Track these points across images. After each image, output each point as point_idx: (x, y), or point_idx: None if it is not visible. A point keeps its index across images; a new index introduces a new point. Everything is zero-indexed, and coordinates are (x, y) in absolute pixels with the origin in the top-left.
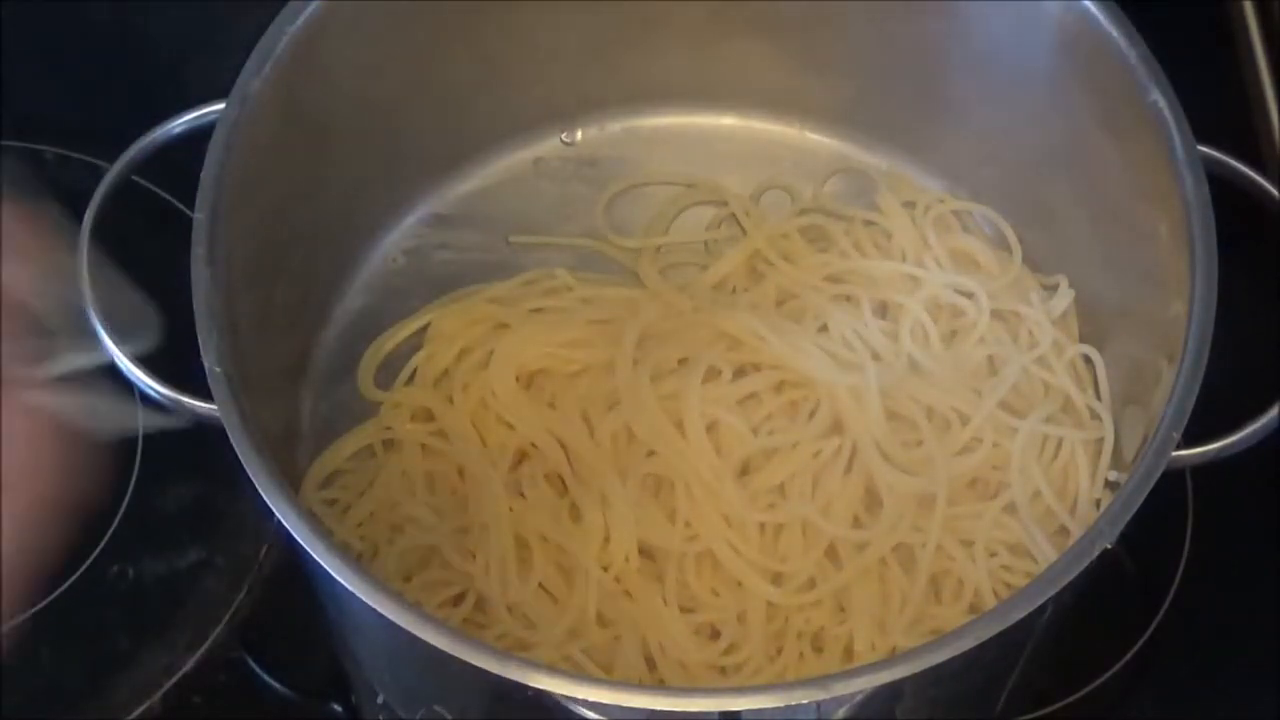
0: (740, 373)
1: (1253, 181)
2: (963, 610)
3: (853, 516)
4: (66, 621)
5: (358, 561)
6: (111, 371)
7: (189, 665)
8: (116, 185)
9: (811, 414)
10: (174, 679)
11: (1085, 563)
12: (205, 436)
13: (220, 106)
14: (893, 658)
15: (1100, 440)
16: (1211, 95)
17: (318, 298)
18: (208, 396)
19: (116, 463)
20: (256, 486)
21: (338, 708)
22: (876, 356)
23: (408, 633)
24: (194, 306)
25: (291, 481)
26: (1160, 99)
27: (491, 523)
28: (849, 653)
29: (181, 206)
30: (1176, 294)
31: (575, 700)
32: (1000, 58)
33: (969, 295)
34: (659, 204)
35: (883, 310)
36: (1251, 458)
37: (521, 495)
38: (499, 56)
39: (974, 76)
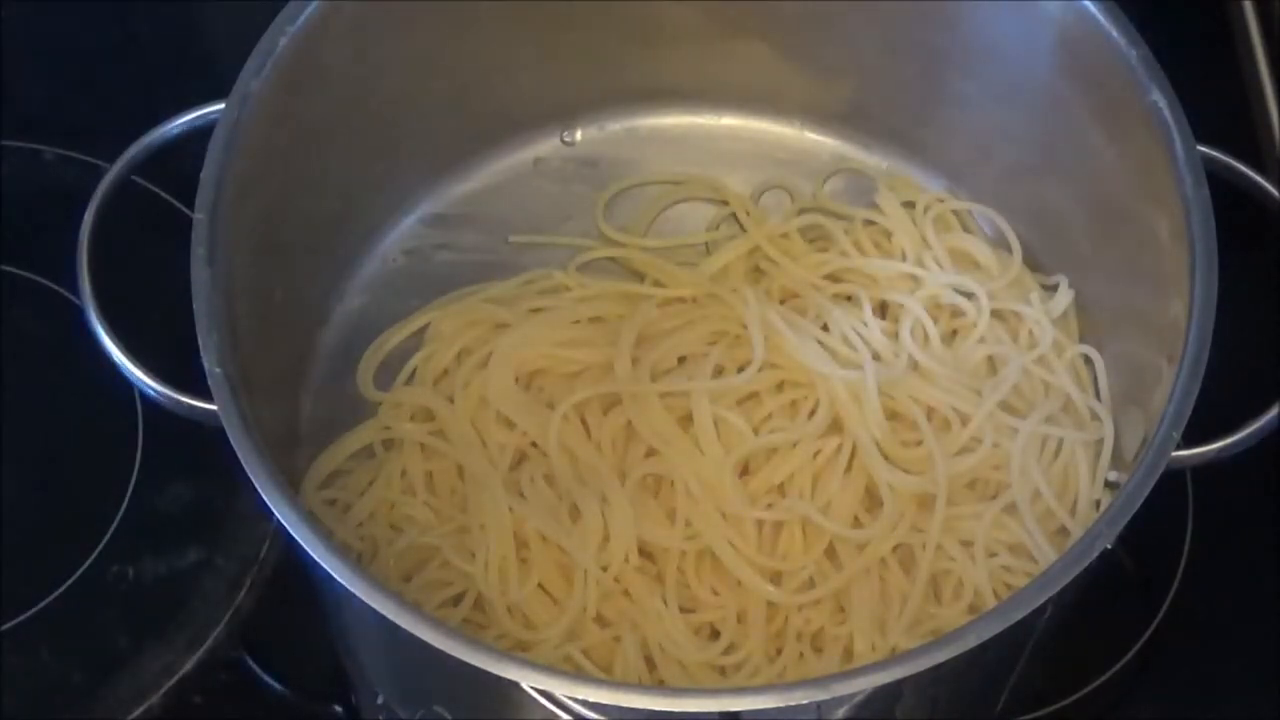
0: (740, 371)
1: (1253, 181)
2: (963, 610)
3: (852, 516)
4: (66, 621)
5: (358, 561)
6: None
7: (189, 665)
8: (116, 185)
9: (811, 413)
10: (174, 679)
11: (1085, 563)
12: (205, 436)
13: (220, 106)
14: (893, 658)
15: (1100, 440)
16: (1211, 95)
17: (318, 298)
18: (208, 396)
19: (116, 463)
20: (256, 486)
21: (338, 708)
22: (877, 356)
23: (408, 633)
24: (194, 306)
25: (291, 482)
26: (1160, 99)
27: (491, 523)
28: (849, 653)
29: (181, 206)
30: (1176, 294)
31: (575, 700)
32: (1000, 58)
33: (969, 295)
34: (659, 204)
35: (883, 310)
36: (1251, 458)
37: (521, 495)
38: (499, 56)
39: (974, 76)
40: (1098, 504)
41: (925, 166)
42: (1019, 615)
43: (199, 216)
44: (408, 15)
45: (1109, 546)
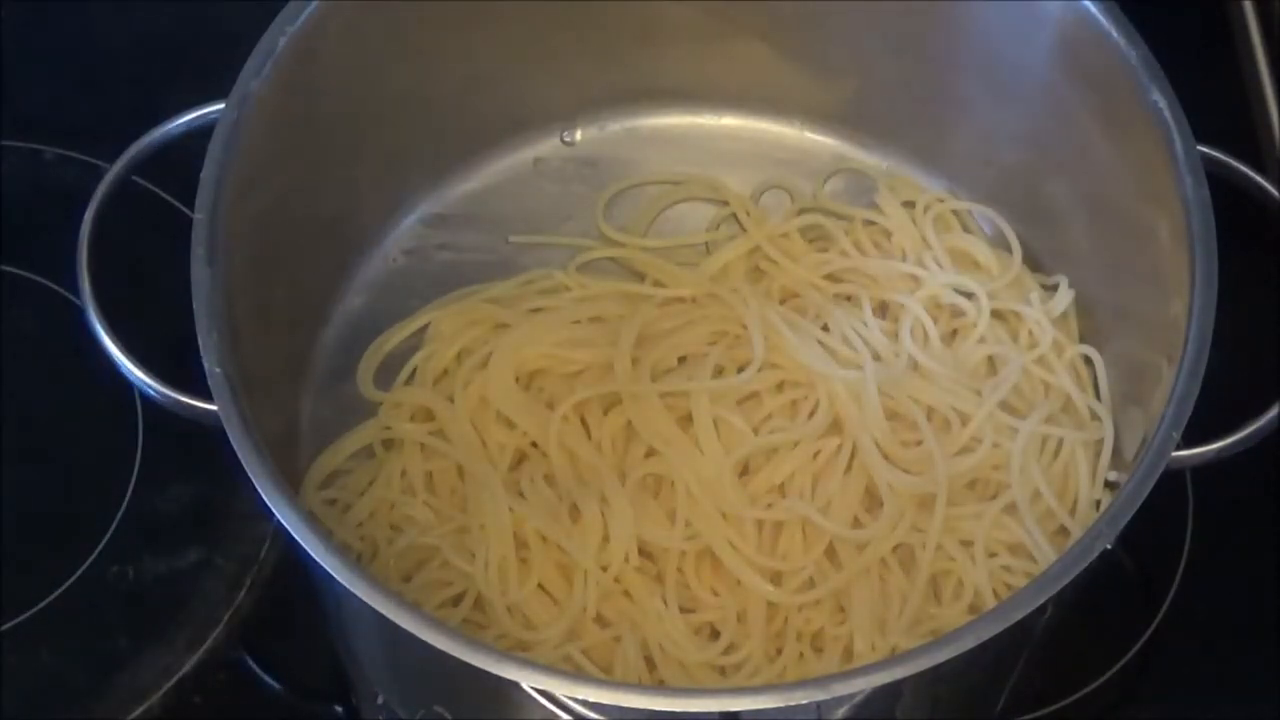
0: (740, 371)
1: (1253, 181)
2: (963, 610)
3: (852, 516)
4: (66, 621)
5: (357, 561)
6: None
7: (189, 665)
8: (116, 185)
9: (811, 413)
10: (174, 679)
11: (1085, 563)
12: (205, 436)
13: (220, 106)
14: (893, 658)
15: (1100, 441)
16: (1211, 95)
17: (318, 298)
18: (208, 396)
19: (116, 463)
20: (256, 486)
21: (338, 708)
22: (876, 356)
23: (408, 633)
24: (194, 306)
25: (291, 481)
26: (1160, 99)
27: (491, 523)
28: (849, 653)
29: (181, 206)
30: (1176, 294)
31: (575, 700)
32: (1000, 58)
33: (969, 295)
34: (659, 204)
35: (883, 310)
36: (1251, 458)
37: (521, 495)
38: (499, 56)
39: (974, 76)
40: (1098, 504)
41: (925, 166)
42: (1019, 615)
43: (199, 216)
44: (407, 15)
45: (1109, 546)
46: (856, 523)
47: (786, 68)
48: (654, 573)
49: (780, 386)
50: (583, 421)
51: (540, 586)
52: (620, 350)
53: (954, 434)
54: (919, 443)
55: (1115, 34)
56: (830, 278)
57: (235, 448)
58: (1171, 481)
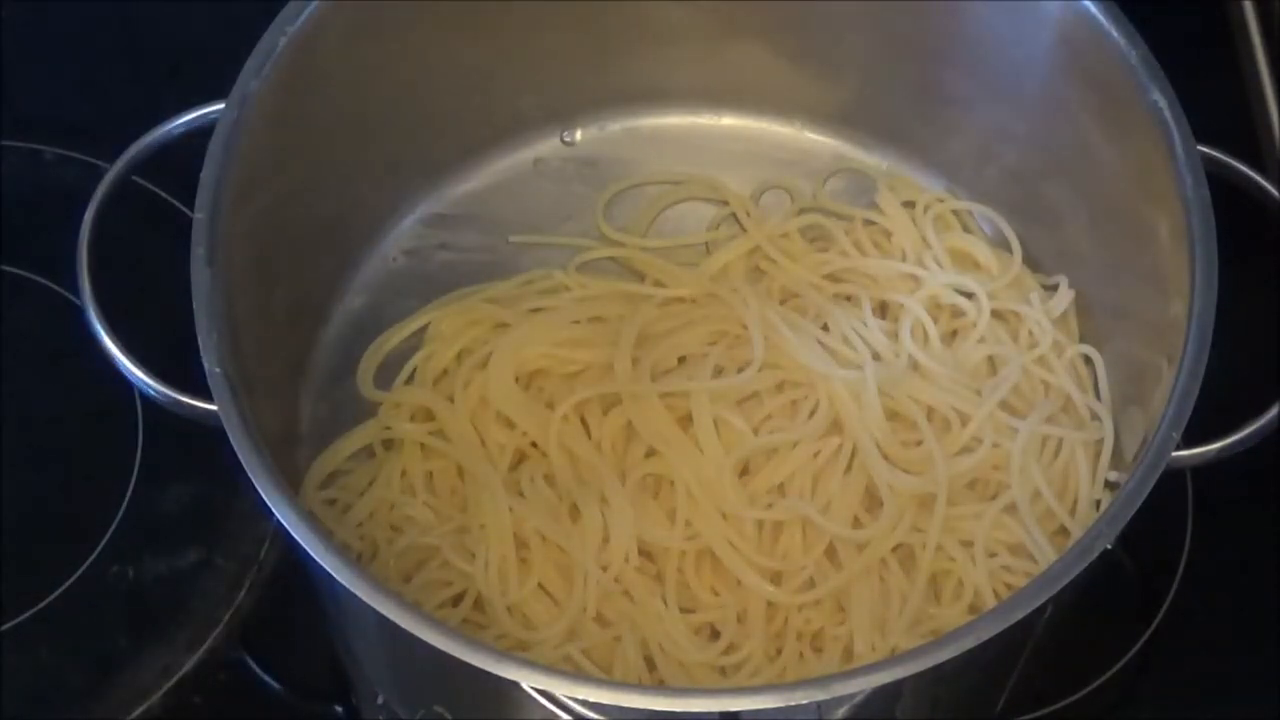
0: (740, 371)
1: (1253, 181)
2: (963, 610)
3: (852, 516)
4: (66, 621)
5: (357, 561)
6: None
7: (189, 665)
8: (116, 185)
9: (811, 413)
10: (174, 679)
11: (1085, 563)
12: (205, 436)
13: (220, 106)
14: (893, 658)
15: (1100, 441)
16: (1211, 95)
17: (318, 298)
18: (208, 396)
19: (116, 463)
20: (256, 486)
21: (338, 708)
22: (877, 356)
23: (408, 633)
24: (194, 306)
25: (291, 481)
26: (1160, 99)
27: (491, 523)
28: (849, 653)
29: (181, 206)
30: (1176, 294)
31: (575, 700)
32: (1000, 58)
33: (969, 295)
34: (659, 204)
35: (883, 310)
36: (1251, 458)
37: (521, 495)
38: (499, 56)
39: (974, 77)
40: (1098, 504)
41: (925, 166)
42: (1019, 615)
43: (199, 216)
44: (407, 15)
45: (1109, 546)
46: (856, 523)
47: (786, 68)
48: (654, 573)
49: (780, 387)
50: (583, 421)
51: (540, 586)
52: (620, 350)
53: (954, 434)
54: (919, 443)
55: (1115, 34)
56: (830, 278)
57: (235, 448)
58: (1171, 481)
